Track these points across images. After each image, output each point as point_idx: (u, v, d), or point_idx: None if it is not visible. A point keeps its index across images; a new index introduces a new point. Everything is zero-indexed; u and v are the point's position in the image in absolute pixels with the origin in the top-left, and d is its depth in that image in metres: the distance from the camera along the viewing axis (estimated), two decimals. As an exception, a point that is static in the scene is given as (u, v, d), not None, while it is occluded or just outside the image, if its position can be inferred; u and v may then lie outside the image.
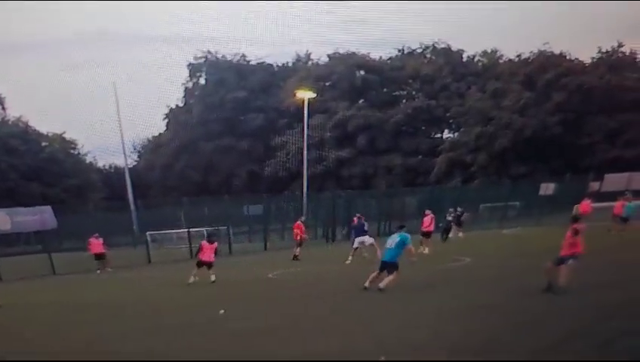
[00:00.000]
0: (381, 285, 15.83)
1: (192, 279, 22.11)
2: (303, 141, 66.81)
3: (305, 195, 57.04)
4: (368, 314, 13.10)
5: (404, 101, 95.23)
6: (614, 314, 10.79)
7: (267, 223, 44.72)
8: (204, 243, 23.11)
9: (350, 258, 25.74)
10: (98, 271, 32.51)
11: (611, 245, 25.23)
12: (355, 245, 26.15)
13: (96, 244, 33.75)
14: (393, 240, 16.37)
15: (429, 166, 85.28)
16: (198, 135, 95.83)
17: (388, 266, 16.08)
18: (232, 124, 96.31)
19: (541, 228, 38.01)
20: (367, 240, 26.11)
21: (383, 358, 8.53)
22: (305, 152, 65.93)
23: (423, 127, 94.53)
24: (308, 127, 66.75)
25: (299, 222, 31.43)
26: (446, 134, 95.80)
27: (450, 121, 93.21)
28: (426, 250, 27.66)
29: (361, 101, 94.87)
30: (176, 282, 24.28)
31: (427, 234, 29.16)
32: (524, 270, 14.55)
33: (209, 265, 22.21)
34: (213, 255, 22.45)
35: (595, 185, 52.04)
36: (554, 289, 13.57)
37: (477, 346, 9.28)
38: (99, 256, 33.62)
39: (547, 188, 50.62)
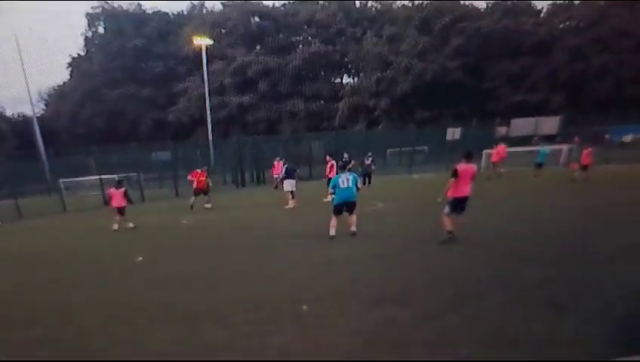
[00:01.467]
0: (354, 228, 15.42)
1: (115, 226, 21.89)
2: (204, 87, 65.59)
3: (210, 141, 56.00)
4: (284, 261, 12.59)
5: (300, 47, 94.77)
6: (534, 261, 10.64)
7: (176, 169, 43.47)
8: (112, 190, 22.67)
9: (291, 202, 24.99)
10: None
11: (527, 190, 25.63)
12: (288, 188, 25.33)
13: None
14: (347, 178, 15.48)
15: (332, 111, 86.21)
16: (101, 83, 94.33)
17: (349, 205, 15.52)
18: (134, 71, 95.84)
19: (451, 173, 37.48)
20: (293, 185, 25.46)
21: (305, 307, 8.51)
22: (207, 98, 64.79)
23: (323, 72, 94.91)
24: (208, 74, 65.58)
25: (198, 170, 29.66)
26: (346, 79, 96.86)
27: (349, 66, 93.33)
28: (330, 198, 26.89)
29: (258, 47, 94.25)
30: (92, 229, 23.70)
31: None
32: (436, 216, 13.92)
33: (120, 210, 22.06)
34: (122, 200, 22.09)
35: (502, 130, 52.49)
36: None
37: (395, 294, 9.07)
38: None
39: (454, 133, 50.70)
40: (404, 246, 13.22)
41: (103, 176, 39.70)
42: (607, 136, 51.40)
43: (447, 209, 13.53)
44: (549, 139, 40.70)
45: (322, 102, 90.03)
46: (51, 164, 51.77)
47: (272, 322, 8.06)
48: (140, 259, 14.27)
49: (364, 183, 30.82)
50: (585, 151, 28.70)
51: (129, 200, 22.59)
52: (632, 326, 6.66)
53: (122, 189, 22.37)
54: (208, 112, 62.02)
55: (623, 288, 8.34)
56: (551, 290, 8.60)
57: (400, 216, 19.19)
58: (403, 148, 50.14)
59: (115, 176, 35.19)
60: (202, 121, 71.15)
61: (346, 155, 30.64)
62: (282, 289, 10.03)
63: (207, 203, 27.67)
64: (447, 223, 13.48)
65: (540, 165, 31.57)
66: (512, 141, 41.63)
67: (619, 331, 6.57)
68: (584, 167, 27.87)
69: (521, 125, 52.42)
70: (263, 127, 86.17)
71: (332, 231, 15.31)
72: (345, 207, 15.50)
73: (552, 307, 7.72)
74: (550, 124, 52.03)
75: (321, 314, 8.25)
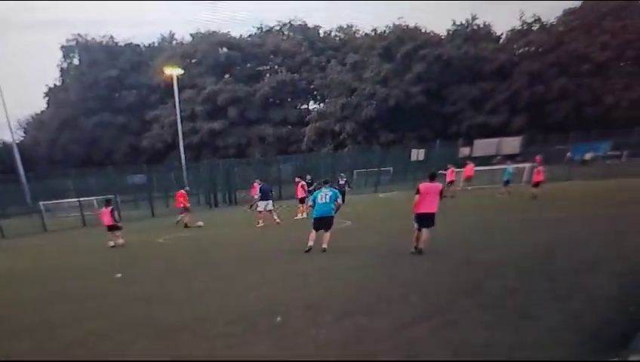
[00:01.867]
0: (324, 245, 15.06)
1: (111, 243, 21.91)
2: (175, 114, 65.28)
3: (183, 165, 55.69)
4: (258, 276, 12.46)
5: (268, 75, 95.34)
6: (499, 273, 10.56)
7: (151, 191, 43.32)
8: (102, 209, 22.87)
9: (260, 221, 24.82)
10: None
11: (492, 206, 25.97)
12: (261, 208, 25.23)
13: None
14: (325, 194, 15.32)
15: (299, 135, 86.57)
16: (78, 112, 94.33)
17: (326, 221, 15.26)
18: (108, 100, 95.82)
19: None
20: (270, 205, 25.31)
21: (279, 319, 8.34)
22: (179, 125, 64.44)
23: (289, 99, 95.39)
24: (179, 102, 65.25)
25: (182, 190, 29.89)
26: (312, 105, 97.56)
27: (315, 92, 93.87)
28: (303, 215, 26.86)
29: (226, 76, 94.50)
30: (72, 248, 23.90)
31: (302, 200, 28.29)
32: (404, 231, 13.96)
33: (110, 227, 22.16)
34: (110, 218, 22.11)
35: (465, 150, 52.89)
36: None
37: (366, 305, 8.93)
38: None
39: (418, 154, 50.95)
40: (373, 261, 13.18)
41: (82, 199, 39.56)
42: (568, 155, 51.90)
43: (415, 224, 13.66)
44: (512, 158, 41.13)
45: (290, 126, 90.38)
46: (31, 188, 52.07)
47: (248, 334, 7.89)
48: (119, 275, 14.11)
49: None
50: (536, 170, 29.11)
51: (114, 219, 22.41)
52: (598, 334, 6.58)
53: (109, 208, 22.43)
54: (180, 138, 61.65)
55: (587, 299, 8.28)
56: (516, 300, 8.53)
57: (368, 233, 19.26)
58: (369, 169, 50.24)
59: (93, 198, 35.06)
60: (175, 146, 70.93)
61: (308, 177, 30.53)
62: (257, 302, 9.87)
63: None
64: (414, 238, 13.59)
65: (507, 182, 31.89)
66: (476, 161, 41.83)
67: (586, 339, 6.48)
68: (536, 184, 28.23)
69: (483, 146, 53.04)
70: (233, 151, 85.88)
71: (310, 243, 15.11)
72: (321, 221, 15.28)
73: (518, 316, 7.63)
74: (512, 144, 52.79)
75: (295, 325, 8.08)
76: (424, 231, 13.48)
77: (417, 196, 13.61)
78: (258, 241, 19.92)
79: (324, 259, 13.96)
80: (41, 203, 41.95)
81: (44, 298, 12.37)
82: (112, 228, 22.14)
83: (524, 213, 21.86)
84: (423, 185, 13.71)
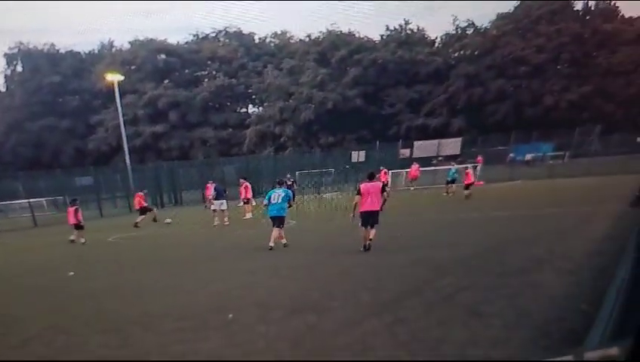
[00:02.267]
0: (284, 241, 15.46)
1: (82, 239, 22.01)
2: (118, 118, 64.19)
3: (129, 167, 54.82)
4: (207, 275, 12.37)
5: (206, 80, 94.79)
6: (448, 271, 10.35)
7: (99, 193, 42.64)
8: (68, 208, 23.24)
9: (216, 219, 24.65)
10: None
11: (437, 206, 26.17)
12: (215, 207, 25.09)
13: None
14: (278, 194, 15.44)
15: (240, 137, 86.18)
16: (23, 116, 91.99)
17: (279, 219, 15.40)
18: (52, 105, 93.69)
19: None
20: (224, 205, 25.05)
21: (230, 316, 8.26)
22: (122, 128, 63.31)
23: (229, 103, 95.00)
24: (121, 106, 64.09)
25: (141, 192, 29.63)
26: (251, 109, 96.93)
27: (253, 97, 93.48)
28: (248, 215, 26.72)
29: (166, 81, 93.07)
30: (24, 247, 23.45)
31: (247, 201, 28.12)
32: (350, 230, 14.13)
33: (76, 226, 22.22)
34: (74, 217, 22.14)
35: (405, 152, 53.16)
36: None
37: (316, 302, 8.81)
38: None
39: (359, 156, 51.09)
40: (320, 259, 13.14)
41: (31, 200, 39.37)
42: (510, 155, 52.52)
43: (360, 223, 13.71)
44: (452, 159, 41.68)
45: (231, 129, 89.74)
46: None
47: (200, 329, 7.78)
48: (72, 273, 13.85)
49: None
50: (467, 171, 29.46)
51: (77, 219, 22.28)
52: (549, 331, 6.48)
53: (74, 207, 22.47)
54: (125, 141, 60.37)
55: (537, 296, 8.15)
56: (466, 298, 8.31)
57: (313, 232, 19.33)
58: (311, 171, 50.06)
59: (42, 199, 34.52)
60: (120, 148, 69.55)
61: (241, 180, 30.35)
62: (207, 299, 9.76)
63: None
64: (362, 237, 13.65)
65: (451, 182, 31.89)
66: (417, 162, 42.11)
67: (538, 335, 6.38)
68: (467, 186, 28.58)
69: (424, 147, 53.38)
70: (176, 153, 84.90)
71: (270, 243, 15.14)
72: (273, 220, 15.38)
73: (469, 313, 7.47)
74: (452, 145, 53.19)
75: (246, 321, 7.95)
76: (370, 229, 13.58)
77: (358, 196, 13.76)
78: (206, 240, 19.91)
79: (271, 257, 13.89)
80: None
81: (1, 295, 12.23)
82: (76, 226, 22.12)
83: (468, 212, 21.88)
84: (364, 185, 13.82)
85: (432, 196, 31.27)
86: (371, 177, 14.20)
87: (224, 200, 25.07)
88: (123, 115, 60.58)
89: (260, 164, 50.56)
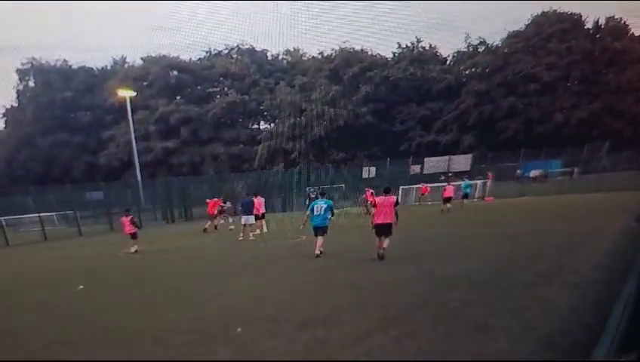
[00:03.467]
0: (321, 249, 15.99)
1: (132, 249, 22.27)
2: (130, 134, 64.61)
3: (139, 182, 55.12)
4: (216, 288, 12.35)
5: (218, 97, 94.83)
6: (455, 286, 10.34)
7: (110, 207, 42.67)
8: (123, 218, 23.28)
9: (251, 234, 24.59)
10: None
11: (445, 220, 26.02)
12: (244, 221, 24.89)
13: None
14: (321, 206, 16.22)
15: (251, 153, 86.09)
16: (35, 131, 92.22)
17: (322, 229, 16.10)
18: (64, 120, 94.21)
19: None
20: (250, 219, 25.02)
21: (239, 329, 8.23)
22: (134, 144, 63.82)
23: (240, 119, 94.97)
24: (133, 122, 64.67)
25: (215, 199, 32.29)
26: (263, 125, 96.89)
27: (265, 113, 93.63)
28: (258, 231, 26.47)
29: (178, 97, 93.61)
30: (33, 261, 23.46)
31: (262, 216, 28.11)
32: (361, 245, 14.80)
33: (131, 235, 22.51)
34: (131, 226, 22.57)
35: (416, 168, 53.15)
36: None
37: (325, 316, 8.78)
38: None
39: (369, 172, 51.10)
40: (328, 273, 13.10)
41: (42, 214, 39.36)
42: (518, 172, 52.55)
43: (374, 233, 14.54)
44: (462, 175, 41.76)
45: (242, 145, 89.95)
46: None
47: (208, 343, 7.78)
48: (81, 287, 13.88)
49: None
50: (446, 187, 29.84)
51: (135, 225, 22.85)
52: (555, 344, 6.45)
53: (129, 217, 22.79)
54: (136, 156, 61.13)
55: (543, 310, 8.09)
56: (473, 312, 8.32)
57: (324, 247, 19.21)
58: (322, 186, 49.98)
59: (53, 213, 34.68)
60: (131, 163, 70.08)
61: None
62: (216, 313, 9.77)
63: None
64: (376, 246, 14.40)
65: (464, 196, 32.55)
66: (426, 178, 42.31)
67: (544, 348, 6.37)
68: (445, 200, 28.98)
69: (434, 163, 53.28)
70: (187, 169, 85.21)
71: (316, 251, 15.82)
72: (317, 230, 16.06)
73: (476, 327, 7.44)
74: (462, 161, 53.05)
75: (255, 335, 7.94)
76: (384, 239, 14.32)
77: (374, 209, 14.76)
78: (217, 254, 19.96)
79: (280, 272, 13.94)
80: (2, 218, 41.16)
81: (7, 308, 12.19)
82: (133, 235, 22.50)
83: (476, 226, 21.99)
84: (379, 198, 14.82)
85: (440, 211, 31.20)
86: (387, 191, 14.95)
87: (251, 215, 24.94)
88: (134, 131, 61.12)
89: (270, 180, 50.48)
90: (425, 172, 50.75)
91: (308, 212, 16.53)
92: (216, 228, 31.10)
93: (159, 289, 13.00)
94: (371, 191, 35.23)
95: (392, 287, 10.83)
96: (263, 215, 27.52)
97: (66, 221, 46.70)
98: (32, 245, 33.06)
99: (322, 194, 17.62)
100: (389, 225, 14.44)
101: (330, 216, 16.30)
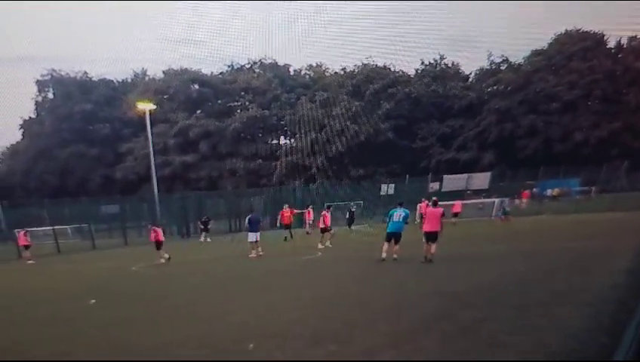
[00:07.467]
0: (395, 256, 17.50)
1: (162, 260, 23.20)
2: (148, 147, 64.99)
3: (156, 196, 55.40)
4: (226, 305, 12.42)
5: (239, 111, 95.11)
6: (468, 303, 10.32)
7: (124, 221, 43.09)
8: (154, 227, 24.52)
9: (253, 252, 23.91)
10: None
11: (462, 238, 26.05)
12: (252, 239, 24.14)
13: None
14: (399, 214, 18.07)
15: (270, 169, 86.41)
16: (52, 143, 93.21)
17: (397, 236, 17.79)
18: (82, 133, 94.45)
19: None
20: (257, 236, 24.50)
21: (251, 346, 8.17)
22: (152, 158, 64.15)
23: (260, 134, 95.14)
24: (152, 135, 65.02)
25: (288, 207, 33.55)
26: (282, 140, 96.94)
27: (285, 128, 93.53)
28: (327, 243, 26.10)
29: (198, 112, 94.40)
30: (46, 273, 23.79)
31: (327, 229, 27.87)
32: (374, 261, 15.77)
33: (158, 244, 23.68)
34: (160, 235, 23.93)
35: (435, 185, 53.17)
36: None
37: (336, 331, 8.76)
38: None
39: (388, 189, 51.20)
40: (340, 290, 13.17)
41: (56, 227, 40.17)
42: (534, 190, 52.68)
43: (423, 238, 17.04)
44: (480, 193, 41.92)
45: (260, 160, 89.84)
46: (6, 216, 51.28)
47: (220, 358, 7.79)
48: (93, 301, 13.94)
49: (348, 227, 34.68)
50: (455, 203, 30.55)
51: (160, 238, 23.91)
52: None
53: (160, 227, 24.49)
54: (153, 170, 61.23)
55: (557, 328, 8.00)
56: (486, 329, 8.27)
57: (337, 263, 19.35)
58: (340, 203, 49.88)
59: (67, 226, 34.94)
60: (148, 177, 70.06)
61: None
62: (226, 328, 9.81)
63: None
64: (424, 250, 16.79)
65: (506, 213, 34.48)
66: (445, 196, 42.26)
67: None
68: (454, 215, 30.08)
69: (453, 181, 53.24)
70: (205, 183, 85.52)
71: (383, 255, 17.52)
72: (393, 236, 17.74)
73: (488, 344, 7.38)
74: (482, 179, 53.05)
75: (267, 351, 7.89)
76: (431, 244, 16.67)
77: (424, 218, 18.35)
78: (229, 270, 20.12)
79: (292, 288, 14.03)
80: (16, 230, 41.09)
81: (16, 320, 12.27)
82: (158, 245, 23.62)
83: (493, 244, 22.19)
84: (429, 210, 18.13)
85: (463, 228, 31.19)
86: (435, 204, 18.11)
87: (258, 233, 24.45)
88: (153, 145, 61.52)
89: (288, 196, 50.66)
90: (443, 189, 50.61)
91: (387, 219, 18.78)
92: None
93: (170, 304, 13.12)
94: (427, 202, 35.65)
95: (403, 304, 10.87)
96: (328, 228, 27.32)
97: (81, 234, 47.03)
98: (45, 258, 33.30)
99: (400, 204, 19.14)
100: (436, 233, 16.84)
101: (404, 225, 17.95)
